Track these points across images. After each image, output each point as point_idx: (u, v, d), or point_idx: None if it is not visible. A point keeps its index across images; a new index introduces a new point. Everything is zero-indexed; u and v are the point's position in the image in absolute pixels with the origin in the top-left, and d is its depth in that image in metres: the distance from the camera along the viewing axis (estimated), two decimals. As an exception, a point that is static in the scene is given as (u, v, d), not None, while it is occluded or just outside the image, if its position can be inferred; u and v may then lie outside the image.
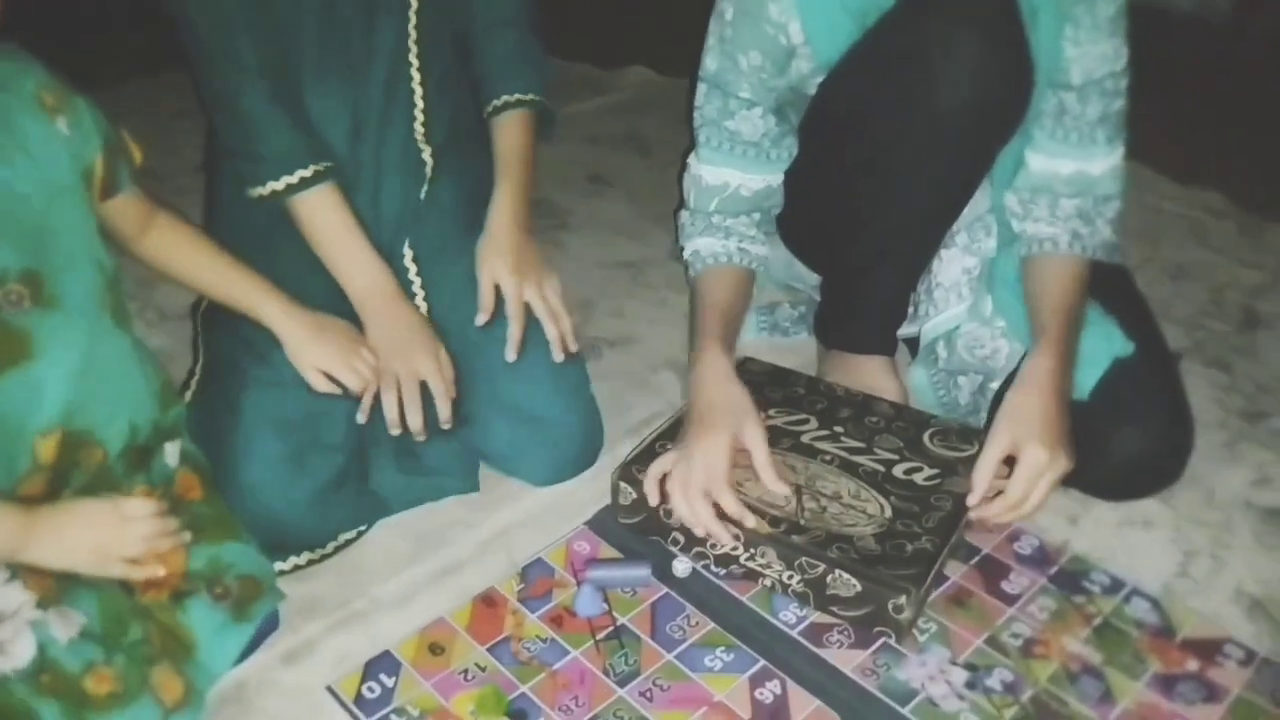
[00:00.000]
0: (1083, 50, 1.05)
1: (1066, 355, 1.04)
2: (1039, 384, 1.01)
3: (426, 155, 1.15)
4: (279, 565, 1.02)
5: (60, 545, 0.84)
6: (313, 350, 1.03)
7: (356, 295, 1.09)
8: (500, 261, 1.13)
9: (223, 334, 1.10)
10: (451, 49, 1.17)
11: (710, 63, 1.13)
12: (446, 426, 1.09)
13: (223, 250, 1.03)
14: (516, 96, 1.18)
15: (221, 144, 1.11)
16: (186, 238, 1.02)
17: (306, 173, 1.05)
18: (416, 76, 1.12)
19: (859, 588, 0.94)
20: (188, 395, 1.10)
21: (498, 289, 1.13)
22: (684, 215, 1.21)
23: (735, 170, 1.16)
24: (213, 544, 0.94)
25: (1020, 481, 0.97)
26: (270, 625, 0.97)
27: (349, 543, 1.08)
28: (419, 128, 1.14)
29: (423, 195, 1.16)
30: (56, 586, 0.85)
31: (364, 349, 1.07)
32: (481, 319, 1.12)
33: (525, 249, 1.15)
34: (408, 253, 1.16)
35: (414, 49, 1.11)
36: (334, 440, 1.06)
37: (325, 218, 1.08)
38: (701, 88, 1.15)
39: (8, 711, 0.81)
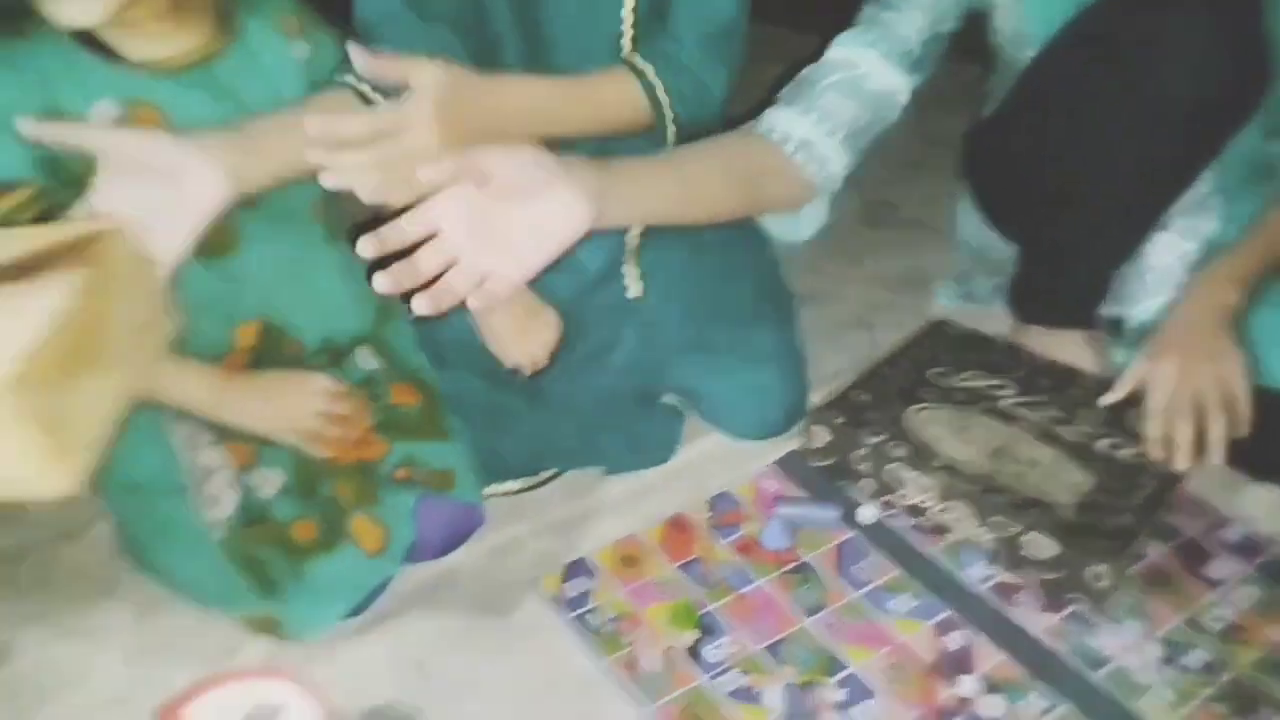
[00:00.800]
0: None
1: (1239, 270, 1.05)
2: (1193, 297, 1.05)
3: None
4: (495, 488, 1.08)
5: (248, 406, 0.93)
6: (495, 316, 1.04)
7: None
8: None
9: None
10: None
11: None
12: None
13: None
14: (644, 65, 1.01)
15: None
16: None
17: None
18: None
19: (1056, 551, 0.94)
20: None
21: None
22: (794, 80, 1.06)
23: (874, 54, 1.04)
24: (414, 441, 1.01)
25: (1153, 396, 1.01)
26: (470, 520, 1.03)
27: (555, 475, 1.14)
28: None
29: None
30: (255, 452, 0.94)
31: (544, 322, 1.07)
32: None
33: None
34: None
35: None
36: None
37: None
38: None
39: (238, 553, 0.91)
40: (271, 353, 0.97)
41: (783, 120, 1.02)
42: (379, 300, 1.04)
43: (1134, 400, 1.10)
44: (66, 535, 1.06)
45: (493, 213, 0.79)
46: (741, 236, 1.20)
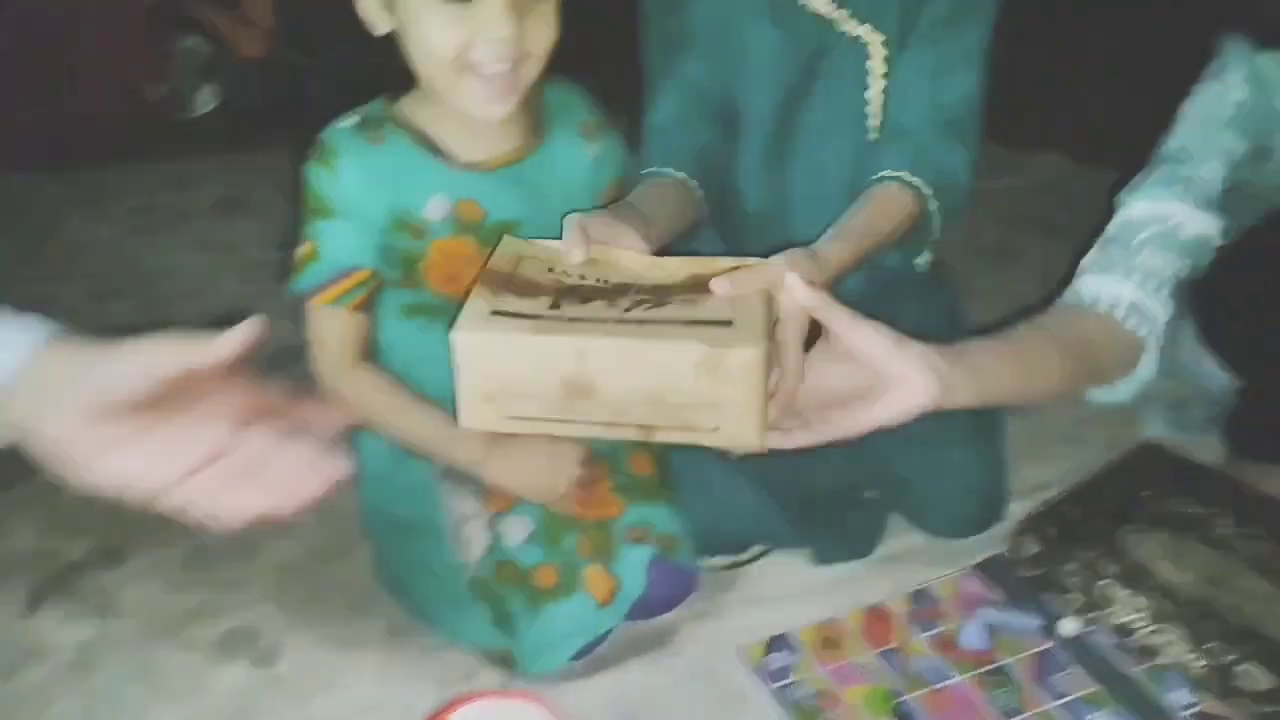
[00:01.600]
0: None
1: None
2: None
3: None
4: (707, 561, 1.15)
5: (507, 469, 1.03)
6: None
7: None
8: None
9: None
10: None
11: (1180, 136, 1.09)
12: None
13: None
14: (908, 176, 1.07)
15: None
16: None
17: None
18: None
19: (1273, 684, 0.93)
20: None
21: None
22: (1098, 247, 1.06)
23: (1184, 206, 1.03)
24: (646, 504, 1.09)
25: None
26: (688, 585, 1.11)
27: (763, 554, 1.20)
28: None
29: None
30: (509, 501, 1.06)
31: (567, 458, 1.08)
32: None
33: None
34: None
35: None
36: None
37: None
38: (1159, 166, 1.08)
39: (484, 591, 1.02)
40: None
41: (1106, 288, 1.00)
42: None
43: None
44: (333, 554, 1.20)
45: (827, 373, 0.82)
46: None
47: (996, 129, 2.16)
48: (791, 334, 0.82)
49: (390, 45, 0.94)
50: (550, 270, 0.84)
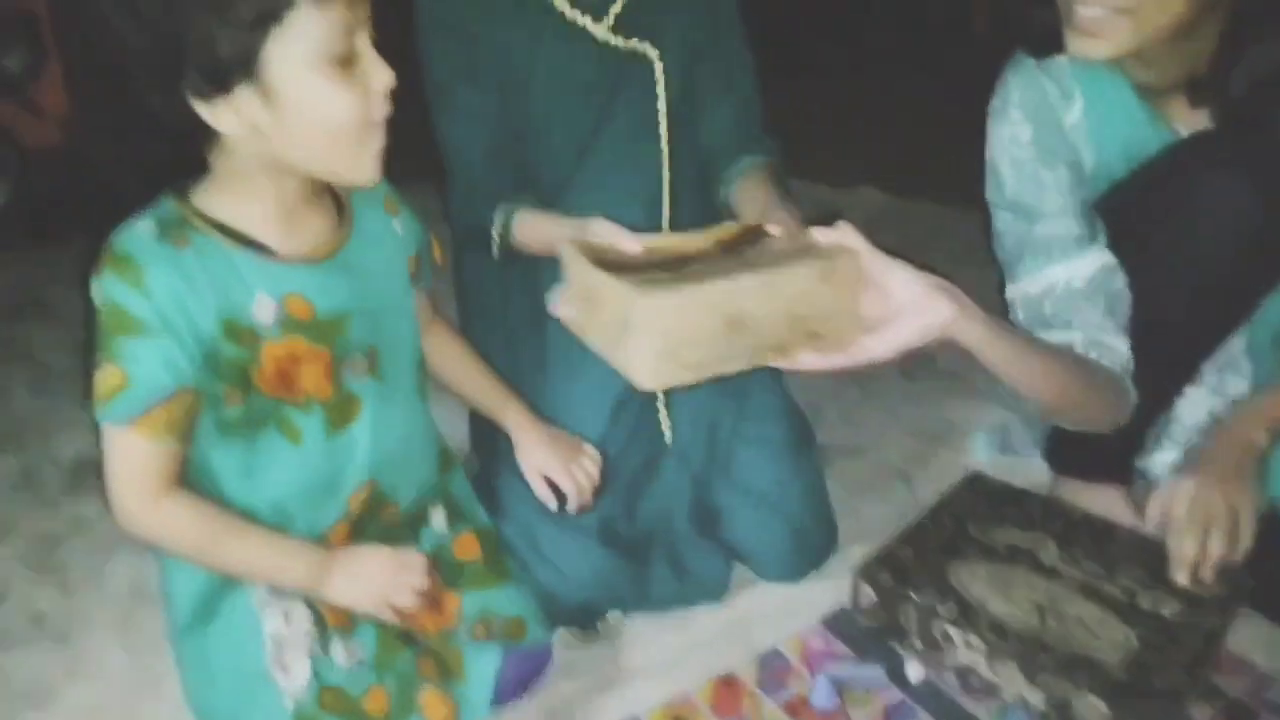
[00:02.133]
0: None
1: (1271, 412, 1.12)
2: (1223, 431, 1.11)
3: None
4: (558, 635, 1.12)
5: (348, 584, 0.96)
6: (538, 454, 1.13)
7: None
8: None
9: (487, 437, 1.22)
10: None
11: (1008, 191, 1.13)
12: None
13: (481, 361, 1.16)
14: (759, 158, 1.24)
15: (461, 231, 1.23)
16: (456, 348, 1.15)
17: (506, 207, 1.17)
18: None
19: (1108, 713, 0.95)
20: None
21: None
22: None
23: (1059, 266, 1.10)
24: (483, 590, 1.05)
25: (1172, 512, 1.07)
26: (540, 666, 1.07)
27: (611, 620, 1.18)
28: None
29: None
30: (347, 616, 0.98)
31: (586, 458, 1.15)
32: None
33: None
34: None
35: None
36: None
37: (536, 223, 1.16)
38: (1001, 215, 1.15)
39: None
40: (372, 518, 1.02)
41: (1054, 337, 1.09)
42: (439, 447, 1.11)
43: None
44: (144, 690, 1.10)
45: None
46: (761, 379, 1.26)
47: (816, 171, 2.25)
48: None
49: (191, 134, 0.86)
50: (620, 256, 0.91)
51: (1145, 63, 1.04)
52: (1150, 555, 1.12)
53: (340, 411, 0.96)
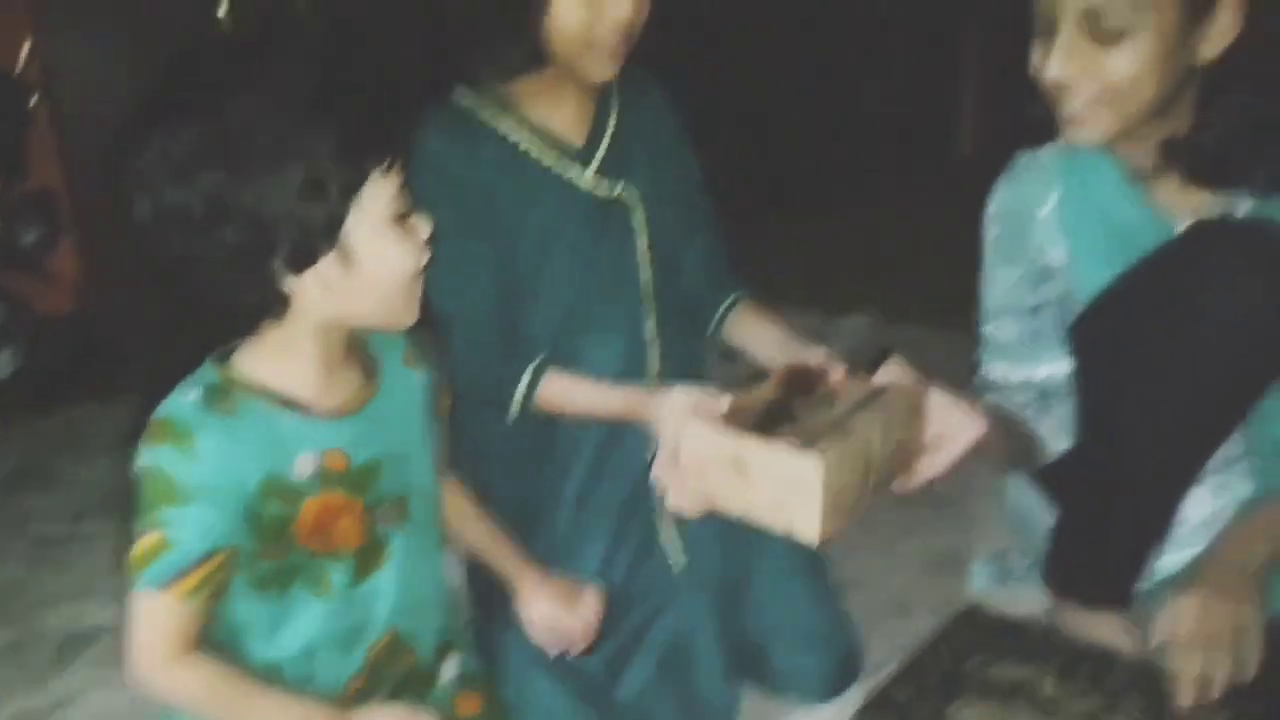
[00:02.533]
0: None
1: (1245, 553, 1.10)
2: (1226, 543, 1.09)
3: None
4: None
5: None
6: (538, 603, 1.12)
7: (626, 409, 1.14)
8: None
9: (486, 585, 1.20)
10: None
11: (982, 276, 1.25)
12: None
13: (484, 511, 1.16)
14: (743, 293, 1.29)
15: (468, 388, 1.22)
16: (463, 501, 1.15)
17: (532, 369, 1.16)
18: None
19: None
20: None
21: None
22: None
23: (1000, 365, 1.25)
24: None
25: (1175, 630, 1.05)
26: None
27: None
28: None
29: None
30: None
31: (588, 604, 1.13)
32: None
33: None
34: None
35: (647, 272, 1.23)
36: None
37: (569, 389, 1.17)
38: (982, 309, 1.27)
39: None
40: (390, 666, 1.00)
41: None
42: (449, 592, 1.09)
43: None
44: None
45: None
46: None
47: (805, 298, 2.28)
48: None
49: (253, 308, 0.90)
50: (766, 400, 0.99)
51: (1133, 142, 1.09)
52: (1152, 685, 1.08)
53: (368, 559, 0.96)
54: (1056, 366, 1.22)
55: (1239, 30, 1.02)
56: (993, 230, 1.21)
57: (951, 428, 0.98)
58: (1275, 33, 1.04)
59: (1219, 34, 1.02)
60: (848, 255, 2.70)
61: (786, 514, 0.86)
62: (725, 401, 0.96)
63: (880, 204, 2.96)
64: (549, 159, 1.18)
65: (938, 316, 2.21)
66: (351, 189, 0.87)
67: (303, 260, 0.87)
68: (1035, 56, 1.07)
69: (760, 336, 1.26)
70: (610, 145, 1.21)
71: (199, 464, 0.87)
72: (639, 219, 1.22)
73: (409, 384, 1.04)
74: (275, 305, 0.90)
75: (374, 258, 0.89)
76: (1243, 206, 1.13)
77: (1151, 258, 1.12)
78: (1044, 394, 1.23)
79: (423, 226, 0.93)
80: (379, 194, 0.89)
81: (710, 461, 0.90)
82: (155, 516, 0.87)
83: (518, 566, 1.14)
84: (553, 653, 1.11)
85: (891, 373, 0.99)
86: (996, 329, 1.24)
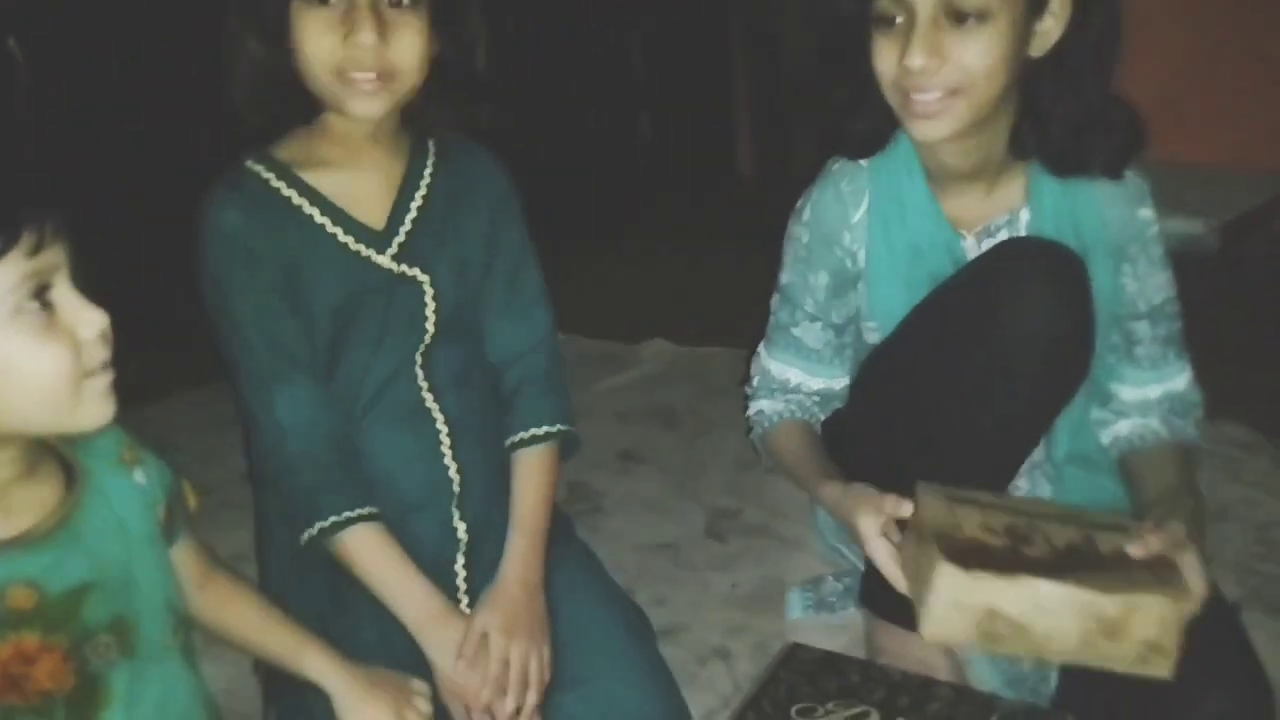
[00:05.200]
0: (1142, 284, 1.17)
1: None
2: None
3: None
4: None
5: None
6: (363, 710, 1.01)
7: (412, 623, 1.10)
8: (494, 616, 1.11)
9: (286, 691, 1.09)
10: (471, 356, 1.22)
11: (784, 276, 1.28)
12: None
13: (274, 609, 1.03)
14: (544, 429, 1.21)
15: (262, 475, 1.15)
16: (239, 597, 1.02)
17: (351, 514, 1.09)
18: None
19: None
20: None
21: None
22: (750, 384, 1.35)
23: (797, 370, 1.29)
24: None
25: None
26: None
27: None
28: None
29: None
30: None
31: (418, 698, 1.05)
32: (460, 667, 1.09)
33: (525, 609, 1.13)
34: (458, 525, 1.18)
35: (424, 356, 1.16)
36: None
37: (368, 555, 1.10)
38: (776, 296, 1.30)
39: None
40: None
41: (769, 408, 1.31)
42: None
43: (997, 705, 1.08)
44: None
45: None
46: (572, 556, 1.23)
47: (606, 328, 2.23)
48: None
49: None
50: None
51: (961, 139, 1.10)
52: (971, 709, 1.08)
53: (84, 704, 0.81)
54: (848, 379, 1.29)
55: (1063, 29, 1.08)
56: (804, 235, 1.23)
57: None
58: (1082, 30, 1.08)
59: (1045, 32, 1.08)
60: (644, 281, 2.69)
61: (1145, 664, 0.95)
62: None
63: (665, 228, 2.98)
64: (345, 238, 1.11)
65: (737, 334, 2.22)
66: None
67: None
68: (880, 52, 1.08)
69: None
70: (413, 228, 1.14)
71: None
72: (431, 297, 1.16)
73: (127, 488, 0.89)
74: None
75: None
76: (1022, 218, 1.17)
77: (953, 277, 1.15)
78: (827, 401, 1.31)
79: (86, 320, 0.78)
80: None
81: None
82: None
83: (321, 663, 1.01)
84: None
85: (1192, 569, 0.99)
86: (803, 333, 1.27)
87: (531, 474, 1.20)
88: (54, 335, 0.76)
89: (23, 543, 0.80)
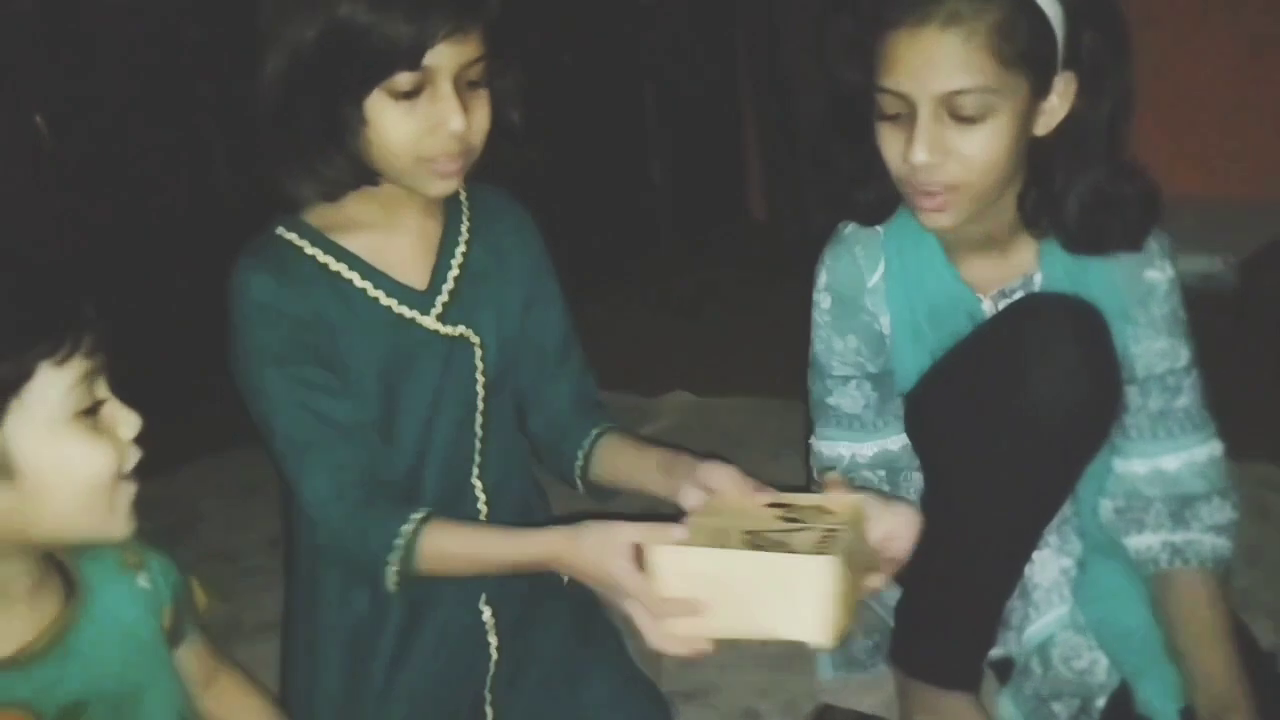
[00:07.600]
0: (1142, 347, 1.13)
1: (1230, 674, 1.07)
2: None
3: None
4: None
5: None
6: None
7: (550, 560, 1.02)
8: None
9: None
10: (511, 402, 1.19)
11: (812, 349, 1.24)
12: None
13: (279, 711, 1.03)
14: (607, 425, 1.18)
15: (312, 541, 1.09)
16: (246, 702, 1.01)
17: (408, 527, 1.00)
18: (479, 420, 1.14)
19: None
20: None
21: None
22: (813, 474, 1.28)
23: (845, 443, 1.22)
24: None
25: None
26: None
27: None
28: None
29: None
30: None
31: None
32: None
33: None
34: (485, 609, 1.15)
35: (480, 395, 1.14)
36: None
37: (452, 546, 1.02)
38: (809, 373, 1.25)
39: None
40: None
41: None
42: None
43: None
44: None
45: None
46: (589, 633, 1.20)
47: (624, 380, 2.23)
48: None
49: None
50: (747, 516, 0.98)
51: (967, 221, 1.09)
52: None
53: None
54: (904, 437, 1.22)
55: (1069, 108, 1.06)
56: (825, 301, 1.21)
57: (895, 529, 0.98)
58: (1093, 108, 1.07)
59: (1051, 111, 1.06)
60: (662, 332, 2.68)
61: (795, 622, 0.88)
62: (679, 529, 0.92)
63: (677, 276, 2.98)
64: (388, 300, 1.08)
65: (757, 383, 2.21)
66: (5, 391, 0.73)
67: None
68: (885, 141, 1.07)
69: (639, 464, 1.14)
70: (455, 287, 1.11)
71: None
72: (480, 356, 1.12)
73: (129, 596, 0.88)
74: None
75: (50, 466, 0.75)
76: (1036, 281, 1.16)
77: (975, 333, 1.14)
78: (894, 469, 1.22)
79: (125, 421, 0.79)
80: (49, 392, 0.75)
81: (698, 585, 0.89)
82: None
83: None
84: None
85: (722, 473, 1.00)
86: (840, 400, 1.21)
87: (624, 446, 1.17)
88: (101, 436, 0.77)
89: (17, 662, 0.79)
